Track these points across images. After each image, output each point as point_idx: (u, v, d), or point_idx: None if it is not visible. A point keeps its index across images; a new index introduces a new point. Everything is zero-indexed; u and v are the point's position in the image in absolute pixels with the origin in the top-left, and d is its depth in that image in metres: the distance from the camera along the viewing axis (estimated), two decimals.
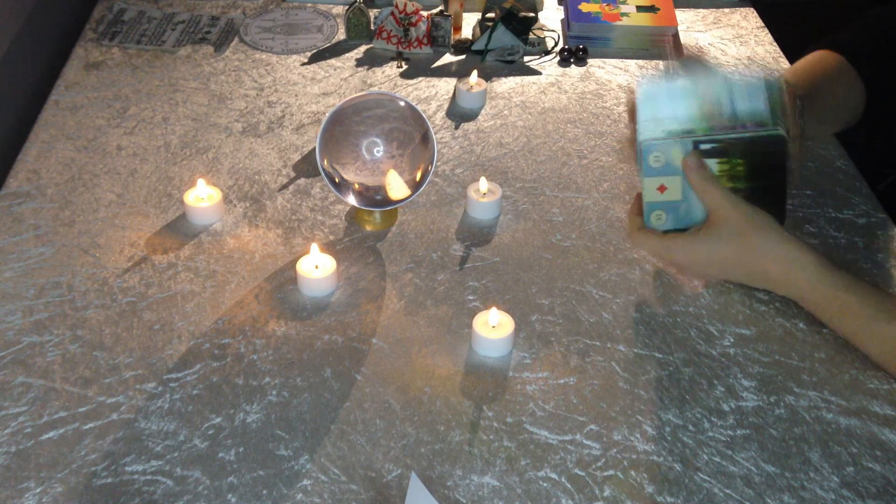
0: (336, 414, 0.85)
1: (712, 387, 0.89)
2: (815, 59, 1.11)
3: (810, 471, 0.81)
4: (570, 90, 1.32)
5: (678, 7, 1.49)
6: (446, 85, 1.32)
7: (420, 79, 1.33)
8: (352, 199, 1.01)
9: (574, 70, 1.36)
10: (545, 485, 0.79)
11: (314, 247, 0.97)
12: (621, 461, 0.82)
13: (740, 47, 1.42)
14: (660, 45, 1.41)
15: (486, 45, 1.36)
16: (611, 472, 0.81)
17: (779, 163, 0.90)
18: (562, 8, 1.50)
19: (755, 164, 0.89)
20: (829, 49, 1.10)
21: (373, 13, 1.43)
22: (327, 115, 0.99)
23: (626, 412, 0.86)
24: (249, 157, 1.16)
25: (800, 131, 0.94)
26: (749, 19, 1.50)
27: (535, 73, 1.35)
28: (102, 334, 0.91)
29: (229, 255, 1.01)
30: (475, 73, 1.28)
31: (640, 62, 1.38)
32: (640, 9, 1.44)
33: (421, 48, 1.37)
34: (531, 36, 1.38)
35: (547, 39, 1.41)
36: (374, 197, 1.02)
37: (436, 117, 1.25)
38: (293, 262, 0.99)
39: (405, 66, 1.35)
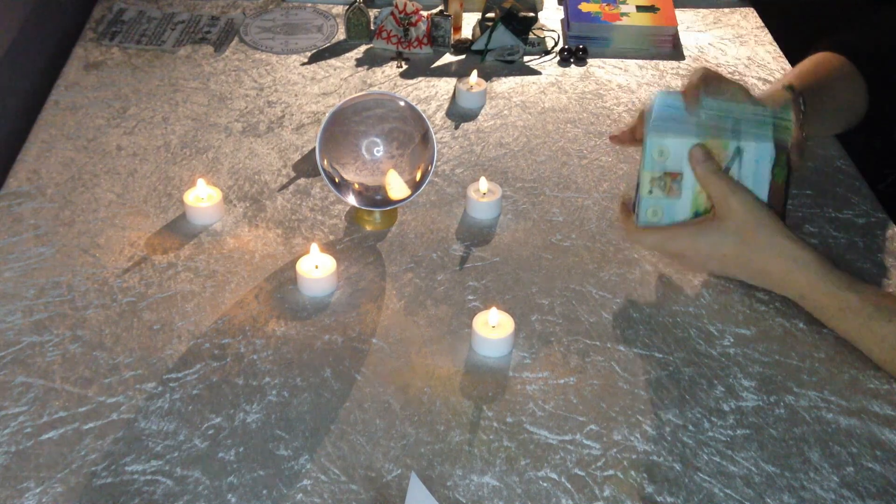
0: (336, 414, 0.85)
1: (712, 387, 0.89)
2: (818, 59, 1.11)
3: (810, 471, 0.81)
4: (569, 90, 1.32)
5: (678, 7, 1.49)
6: (446, 85, 1.32)
7: (420, 79, 1.33)
8: (352, 199, 1.01)
9: (574, 70, 1.36)
10: (545, 485, 0.79)
11: (314, 247, 0.97)
12: (621, 461, 0.82)
13: (740, 47, 1.42)
14: (660, 45, 1.41)
15: (486, 45, 1.36)
16: (611, 472, 0.81)
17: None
18: (562, 8, 1.50)
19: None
20: (833, 50, 1.10)
21: (373, 13, 1.43)
22: (327, 115, 0.99)
23: (626, 412, 0.86)
24: (249, 157, 1.16)
25: (801, 136, 0.94)
26: (749, 19, 1.50)
27: (535, 73, 1.35)
28: (102, 334, 0.91)
29: (229, 255, 1.01)
30: (475, 73, 1.28)
31: (640, 62, 1.38)
32: (640, 9, 1.44)
33: (421, 48, 1.37)
34: (531, 36, 1.38)
35: (547, 39, 1.41)
36: (374, 197, 1.02)
37: (436, 117, 1.25)
38: (293, 262, 0.99)
39: (405, 66, 1.35)
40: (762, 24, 1.48)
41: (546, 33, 1.42)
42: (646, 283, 1.00)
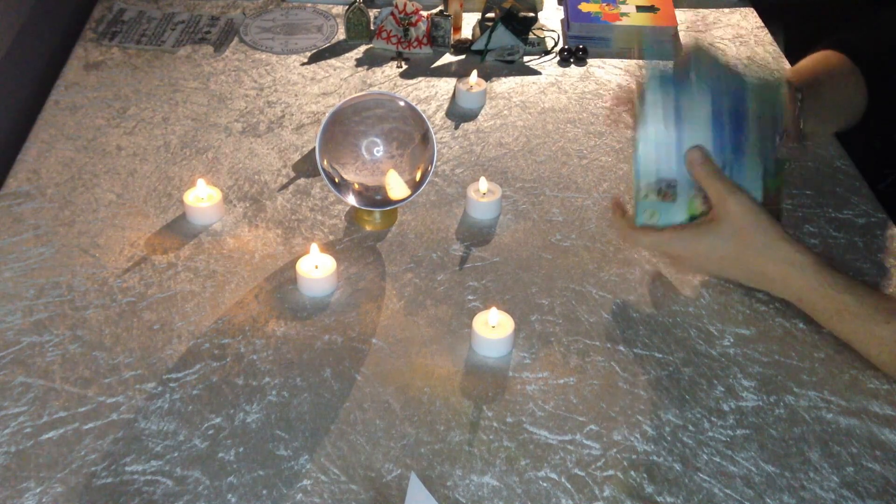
0: (336, 414, 0.85)
1: (712, 387, 0.89)
2: (818, 57, 1.11)
3: (810, 471, 0.81)
4: (569, 90, 1.32)
5: (678, 7, 1.49)
6: (446, 85, 1.32)
7: (420, 79, 1.33)
8: (352, 199, 1.01)
9: (574, 70, 1.36)
10: (545, 485, 0.79)
11: (314, 247, 0.97)
12: (621, 461, 0.82)
13: (740, 47, 1.42)
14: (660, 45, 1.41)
15: (486, 45, 1.36)
16: (611, 472, 0.81)
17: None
18: (562, 8, 1.50)
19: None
20: (834, 49, 1.11)
21: (373, 13, 1.43)
22: (327, 115, 0.99)
23: (626, 412, 0.86)
24: (249, 157, 1.16)
25: (798, 127, 0.94)
26: (749, 19, 1.50)
27: (535, 73, 1.35)
28: (102, 334, 0.91)
29: (229, 255, 1.01)
30: (475, 73, 1.28)
31: (640, 62, 1.38)
32: (639, 9, 1.44)
33: (421, 48, 1.37)
34: (531, 36, 1.38)
35: (547, 39, 1.41)
36: (374, 197, 1.02)
37: (436, 117, 1.25)
38: (293, 262, 0.99)
39: (405, 66, 1.35)
40: (762, 24, 1.48)
41: (546, 33, 1.42)
42: (646, 283, 1.00)
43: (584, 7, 1.44)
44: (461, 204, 1.09)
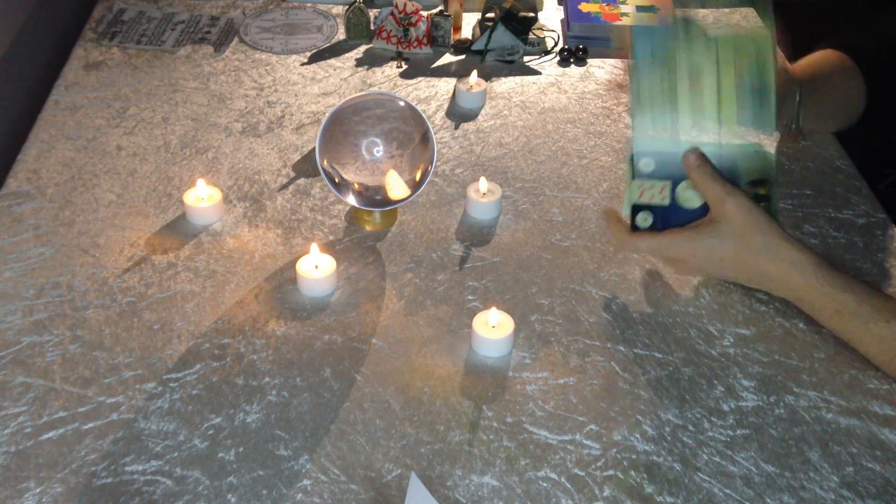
0: (336, 414, 0.85)
1: (712, 387, 0.89)
2: (819, 54, 1.12)
3: (810, 471, 0.81)
4: (569, 90, 1.32)
5: (678, 7, 1.49)
6: (446, 85, 1.32)
7: (420, 79, 1.33)
8: (352, 199, 1.01)
9: (574, 70, 1.36)
10: (545, 485, 0.79)
11: (314, 247, 0.97)
12: (621, 461, 0.82)
13: None
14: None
15: (486, 45, 1.36)
16: (611, 472, 0.81)
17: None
18: (562, 8, 1.50)
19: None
20: (835, 48, 1.11)
21: (373, 13, 1.43)
22: (327, 115, 0.99)
23: (626, 412, 0.86)
24: (249, 157, 1.16)
25: (794, 118, 0.95)
26: (749, 19, 1.50)
27: (535, 73, 1.35)
28: (102, 334, 0.91)
29: (229, 255, 1.01)
30: (475, 73, 1.28)
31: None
32: (639, 9, 1.44)
33: (421, 48, 1.37)
34: (531, 36, 1.38)
35: (547, 39, 1.41)
36: (374, 197, 1.02)
37: (436, 117, 1.25)
38: (293, 262, 0.99)
39: (405, 66, 1.35)
40: (762, 24, 1.48)
41: (546, 33, 1.42)
42: (646, 283, 1.00)
43: (584, 7, 1.44)
44: (461, 204, 1.09)
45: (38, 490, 0.77)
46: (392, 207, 1.04)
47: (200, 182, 1.05)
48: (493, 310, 0.91)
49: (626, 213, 0.94)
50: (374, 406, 0.86)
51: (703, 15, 1.48)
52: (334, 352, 0.91)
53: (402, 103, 1.02)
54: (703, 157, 0.89)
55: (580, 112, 1.27)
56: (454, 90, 1.29)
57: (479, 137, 1.21)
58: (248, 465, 0.80)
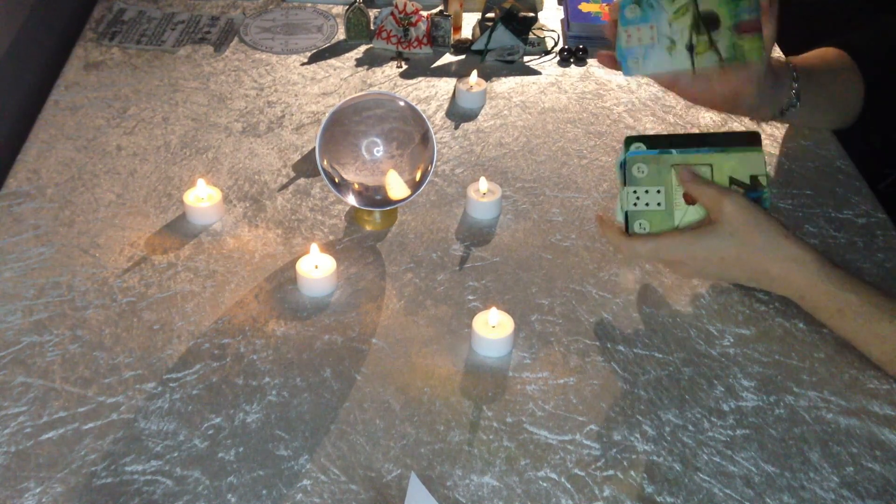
0: (336, 414, 0.85)
1: (712, 387, 0.89)
2: (820, 51, 1.13)
3: (810, 471, 0.81)
4: (569, 90, 1.32)
5: None
6: (446, 85, 1.32)
7: (420, 79, 1.33)
8: (352, 199, 1.01)
9: (574, 70, 1.36)
10: (545, 485, 0.79)
11: (314, 247, 0.97)
12: (621, 461, 0.82)
13: None
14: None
15: (486, 45, 1.36)
16: (611, 472, 0.81)
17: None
18: (561, 8, 1.50)
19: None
20: (836, 47, 1.12)
21: (373, 13, 1.43)
22: (327, 115, 0.99)
23: (626, 412, 0.86)
24: (249, 157, 1.16)
25: (793, 99, 1.00)
26: None
27: (535, 73, 1.35)
28: (102, 334, 0.91)
29: (229, 255, 1.01)
30: (475, 73, 1.28)
31: None
32: None
33: (421, 48, 1.37)
34: (531, 36, 1.38)
35: (547, 39, 1.41)
36: (374, 197, 1.02)
37: (436, 117, 1.25)
38: (293, 262, 0.99)
39: (405, 66, 1.35)
40: None
41: (546, 33, 1.42)
42: (646, 283, 1.00)
43: (584, 7, 1.44)
44: (461, 204, 1.09)
45: (38, 490, 0.77)
46: (392, 207, 1.04)
47: (200, 182, 1.05)
48: (493, 310, 0.91)
49: (619, 219, 0.94)
50: (374, 406, 0.86)
51: None
52: (334, 352, 0.91)
53: (402, 103, 1.02)
54: (694, 173, 0.90)
55: (580, 112, 1.27)
56: (454, 90, 1.29)
57: (479, 137, 1.21)
58: (248, 465, 0.80)
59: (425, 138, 1.00)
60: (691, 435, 0.84)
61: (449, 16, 1.39)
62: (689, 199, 0.91)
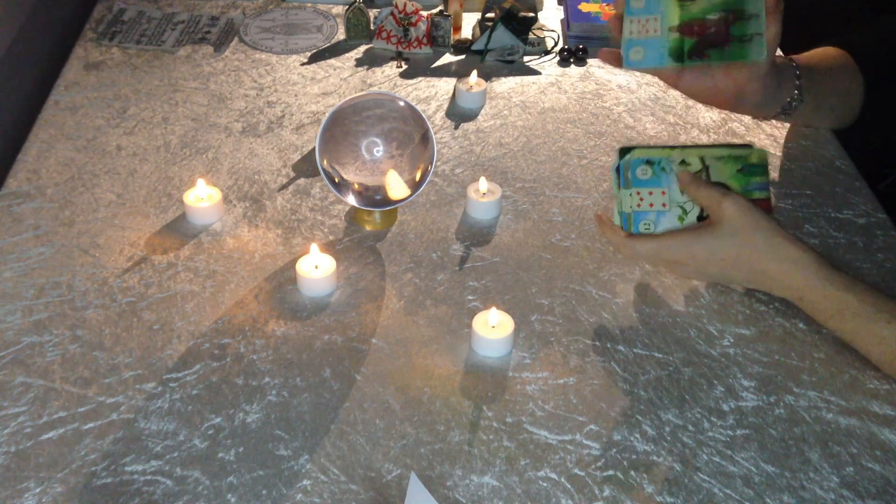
0: (336, 414, 0.85)
1: (712, 387, 0.89)
2: (821, 50, 1.13)
3: (810, 471, 0.81)
4: (569, 90, 1.32)
5: None
6: (446, 85, 1.32)
7: (420, 79, 1.33)
8: (351, 199, 1.01)
9: (574, 70, 1.36)
10: (545, 485, 0.79)
11: (314, 247, 0.97)
12: (621, 461, 0.82)
13: None
14: None
15: (486, 45, 1.36)
16: (611, 472, 0.81)
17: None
18: (561, 8, 1.50)
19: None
20: (837, 47, 1.12)
21: (373, 13, 1.43)
22: (327, 115, 0.99)
23: (626, 412, 0.86)
24: (249, 157, 1.16)
25: (796, 96, 0.99)
26: None
27: (535, 73, 1.35)
28: (102, 334, 0.91)
29: (229, 255, 1.01)
30: (475, 73, 1.28)
31: None
32: None
33: (421, 48, 1.37)
34: (531, 36, 1.38)
35: (547, 39, 1.41)
36: (374, 197, 1.02)
37: (435, 117, 1.25)
38: (293, 262, 0.99)
39: (405, 66, 1.35)
40: None
41: (546, 33, 1.42)
42: (645, 283, 1.00)
43: (584, 7, 1.44)
44: (461, 204, 1.09)
45: (38, 490, 0.77)
46: (392, 207, 1.04)
47: (200, 182, 1.05)
48: (493, 310, 0.91)
49: (616, 221, 0.94)
50: (374, 406, 0.86)
51: None
52: (334, 352, 0.91)
53: (402, 103, 1.02)
54: (693, 176, 0.91)
55: (580, 112, 1.27)
56: (454, 90, 1.29)
57: (479, 137, 1.21)
58: (248, 465, 0.80)
59: (425, 138, 1.00)
60: (691, 435, 0.84)
61: (449, 16, 1.39)
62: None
